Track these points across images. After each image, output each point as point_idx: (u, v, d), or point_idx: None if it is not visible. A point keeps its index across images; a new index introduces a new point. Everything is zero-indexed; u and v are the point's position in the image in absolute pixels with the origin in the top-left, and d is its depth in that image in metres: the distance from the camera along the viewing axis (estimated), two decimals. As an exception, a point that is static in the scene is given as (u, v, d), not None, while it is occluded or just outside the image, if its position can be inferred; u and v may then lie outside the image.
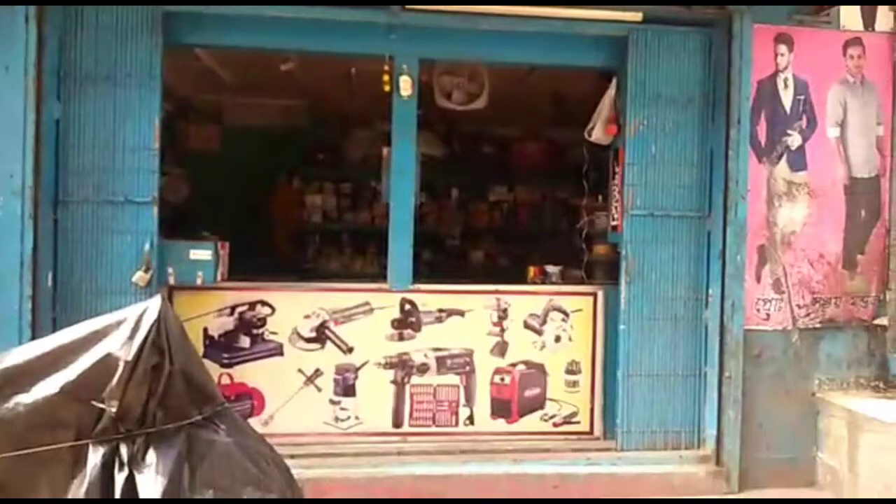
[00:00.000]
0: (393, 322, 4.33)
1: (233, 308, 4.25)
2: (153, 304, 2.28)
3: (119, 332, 2.25)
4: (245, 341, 4.24)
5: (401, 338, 4.34)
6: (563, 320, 4.46)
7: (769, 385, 4.28)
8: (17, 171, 3.72)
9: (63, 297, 3.89)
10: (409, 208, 4.31)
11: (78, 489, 2.25)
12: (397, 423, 4.35)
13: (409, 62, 4.22)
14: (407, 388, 4.35)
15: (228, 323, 4.23)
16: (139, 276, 3.90)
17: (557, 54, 4.36)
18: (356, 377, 4.31)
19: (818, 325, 4.35)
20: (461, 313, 4.39)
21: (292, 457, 3.51)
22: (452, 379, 4.40)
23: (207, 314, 4.20)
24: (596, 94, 4.60)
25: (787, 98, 4.32)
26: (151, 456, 2.26)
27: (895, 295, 4.39)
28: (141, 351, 2.21)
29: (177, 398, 2.32)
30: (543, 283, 4.70)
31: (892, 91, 4.42)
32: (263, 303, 4.27)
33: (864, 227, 4.41)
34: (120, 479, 2.22)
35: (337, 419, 4.30)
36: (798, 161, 4.34)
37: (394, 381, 4.34)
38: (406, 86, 4.19)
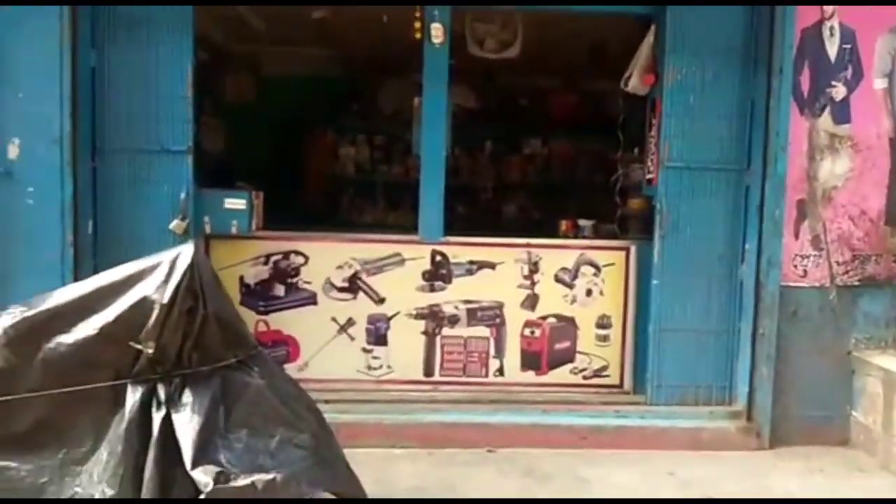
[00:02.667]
0: (424, 273, 4.35)
1: (267, 257, 4.32)
2: (186, 250, 2.33)
3: (154, 276, 2.32)
4: (280, 290, 4.31)
5: (431, 289, 4.37)
6: (595, 274, 4.44)
7: (804, 343, 4.21)
8: (55, 119, 3.78)
9: (103, 245, 3.98)
10: (439, 160, 4.29)
11: (118, 426, 2.35)
12: (428, 372, 4.41)
13: (440, 9, 4.14)
14: (438, 338, 4.40)
15: (263, 272, 4.31)
16: (176, 225, 3.97)
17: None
18: (388, 327, 4.37)
19: (857, 283, 4.25)
20: (492, 266, 4.39)
21: (326, 402, 3.63)
22: (483, 331, 4.42)
23: (243, 263, 4.28)
24: (633, 42, 4.47)
25: (832, 47, 4.15)
26: (188, 396, 2.34)
27: (940, 253, 4.27)
28: (176, 294, 2.28)
29: (211, 341, 2.39)
30: (576, 236, 4.66)
31: (948, 39, 4.21)
32: (297, 252, 4.33)
33: (909, 182, 4.26)
34: (157, 417, 2.30)
35: (369, 367, 4.37)
36: (842, 113, 4.18)
37: (425, 332, 4.39)
38: (437, 33, 4.12)
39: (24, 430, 2.39)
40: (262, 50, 6.58)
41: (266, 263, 4.32)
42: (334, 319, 4.35)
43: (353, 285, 4.34)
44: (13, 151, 3.81)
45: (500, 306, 4.42)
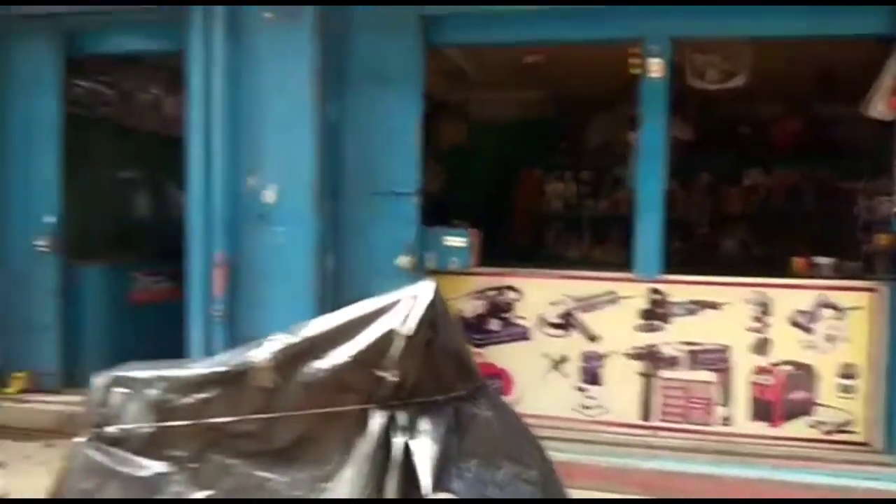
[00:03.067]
0: (640, 312, 4.23)
1: (483, 292, 4.46)
2: (426, 287, 2.48)
3: (398, 309, 2.49)
4: (495, 324, 4.43)
5: (649, 329, 4.23)
6: (837, 318, 4.02)
7: None
8: (305, 166, 4.25)
9: (341, 280, 4.37)
10: (657, 195, 4.18)
11: (363, 447, 2.53)
12: (645, 415, 4.26)
13: (660, 43, 4.08)
14: (656, 380, 4.24)
15: (479, 306, 4.45)
16: (404, 261, 4.25)
17: (826, 23, 3.93)
18: (602, 366, 4.29)
19: None
20: (716, 306, 4.16)
21: (541, 438, 3.63)
22: (706, 375, 4.19)
23: (461, 297, 4.46)
24: (870, 64, 4.06)
25: None
26: (424, 424, 2.47)
27: None
28: (417, 327, 2.42)
29: (445, 372, 2.51)
30: (812, 276, 4.27)
31: None
32: (511, 288, 4.43)
33: None
34: (398, 442, 2.45)
35: (583, 406, 4.32)
36: None
37: (642, 373, 4.25)
38: (657, 68, 4.06)
39: (283, 445, 2.66)
40: (474, 96, 6.89)
41: (482, 298, 4.47)
42: (547, 356, 4.37)
43: (567, 322, 4.34)
44: (270, 196, 4.33)
45: (726, 350, 4.16)
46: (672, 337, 4.20)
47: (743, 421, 4.16)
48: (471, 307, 4.47)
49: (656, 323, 4.22)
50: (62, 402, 4.80)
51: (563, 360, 4.34)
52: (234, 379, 2.66)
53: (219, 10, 4.23)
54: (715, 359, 4.17)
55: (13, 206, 4.92)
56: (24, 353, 4.99)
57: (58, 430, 4.63)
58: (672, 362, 4.20)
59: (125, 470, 2.66)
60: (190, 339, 4.44)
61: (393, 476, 2.41)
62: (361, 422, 2.56)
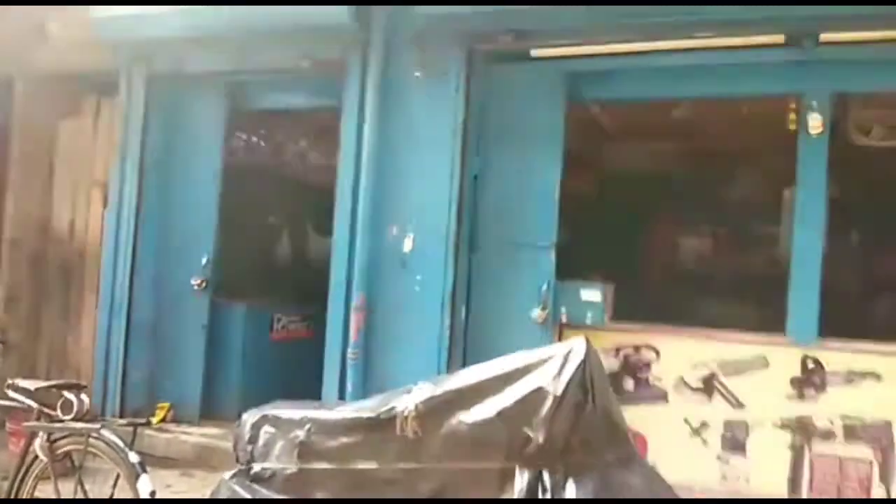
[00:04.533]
0: (793, 381, 3.96)
1: (618, 350, 4.33)
2: (578, 345, 2.44)
3: (547, 367, 2.46)
4: (630, 384, 4.29)
5: (801, 398, 3.95)
6: None
7: None
8: (443, 218, 4.35)
9: (472, 329, 4.40)
10: (815, 256, 3.97)
11: (506, 506, 2.49)
12: (794, 490, 3.94)
13: (819, 98, 3.90)
14: (806, 454, 3.93)
15: (614, 364, 4.32)
16: (537, 314, 4.22)
17: None
18: (747, 436, 4.03)
19: None
20: (877, 376, 3.83)
21: (682, 509, 3.43)
22: (864, 452, 3.84)
23: (595, 353, 4.34)
24: None
25: None
26: (571, 488, 2.40)
27: None
28: (568, 387, 2.38)
29: (595, 436, 2.44)
30: None
31: None
32: (649, 346, 4.27)
33: None
34: (544, 505, 2.39)
35: (724, 477, 4.06)
36: None
37: (791, 446, 3.95)
38: (816, 123, 3.87)
39: (424, 494, 2.66)
40: (607, 147, 6.82)
41: (616, 355, 4.34)
42: (687, 421, 4.15)
43: (709, 386, 4.12)
44: (408, 245, 4.45)
45: (888, 426, 3.81)
46: (827, 409, 3.90)
47: (909, 507, 3.76)
48: (606, 365, 4.32)
49: (809, 392, 3.93)
50: (201, 434, 5.06)
51: (704, 426, 4.11)
52: (379, 425, 2.71)
53: (373, 68, 4.46)
54: (876, 435, 3.82)
55: (175, 247, 5.33)
56: (169, 385, 5.30)
57: (196, 460, 4.89)
58: (827, 436, 3.89)
59: (268, 509, 2.76)
60: (326, 378, 4.58)
61: (538, 538, 2.35)
62: (504, 480, 2.53)
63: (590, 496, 2.38)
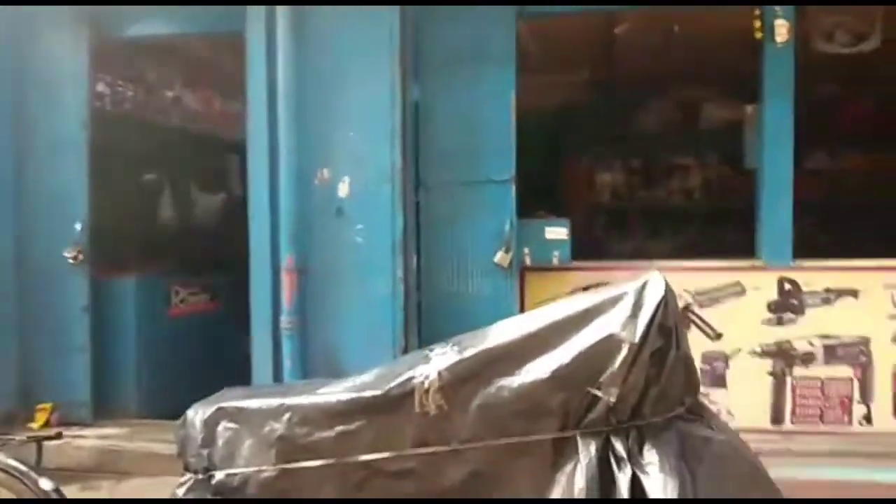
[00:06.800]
0: (769, 305, 3.81)
1: (585, 289, 3.98)
2: (655, 280, 2.00)
3: (617, 310, 1.99)
4: (606, 326, 3.95)
5: (779, 322, 3.80)
6: None
7: None
8: (385, 157, 3.74)
9: (427, 279, 3.87)
10: (786, 175, 3.78)
11: (568, 484, 2.04)
12: (777, 419, 3.84)
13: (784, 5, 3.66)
14: (788, 380, 3.82)
15: (584, 305, 3.97)
16: (500, 257, 3.78)
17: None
18: (727, 367, 3.85)
19: None
20: (854, 294, 3.76)
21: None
22: (844, 371, 3.79)
23: (564, 296, 3.97)
24: None
25: None
26: (650, 453, 1.98)
27: None
28: (647, 332, 1.94)
29: (674, 388, 2.03)
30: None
31: None
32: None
33: None
34: (623, 477, 1.96)
35: (706, 412, 3.87)
36: None
37: (772, 373, 3.83)
38: (783, 31, 3.63)
39: (454, 483, 2.16)
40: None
41: (585, 296, 3.98)
42: (663, 357, 3.90)
43: (685, 319, 3.89)
44: (343, 190, 3.81)
45: (866, 342, 3.77)
46: (806, 331, 3.80)
47: (886, 419, 3.77)
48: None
49: (787, 316, 3.80)
50: (98, 437, 4.26)
51: (681, 361, 3.88)
52: (389, 405, 2.15)
53: None
54: (854, 352, 3.77)
55: (39, 214, 4.32)
56: (49, 382, 4.38)
57: (97, 468, 4.09)
58: (807, 359, 3.80)
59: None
60: (256, 355, 3.89)
61: (621, 520, 1.92)
62: (560, 452, 2.07)
63: (672, 461, 1.97)
